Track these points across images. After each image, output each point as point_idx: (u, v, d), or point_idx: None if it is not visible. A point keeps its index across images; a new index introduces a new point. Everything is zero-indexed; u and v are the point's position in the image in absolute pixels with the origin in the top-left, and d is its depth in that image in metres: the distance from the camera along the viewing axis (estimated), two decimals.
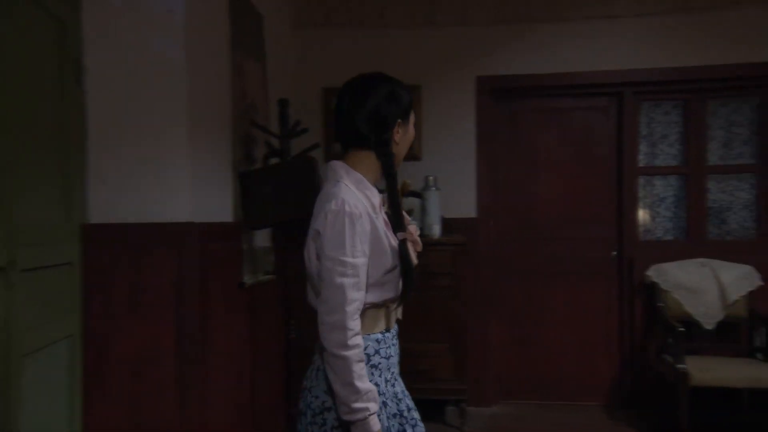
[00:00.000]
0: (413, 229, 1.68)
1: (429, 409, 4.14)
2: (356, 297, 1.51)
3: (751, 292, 3.94)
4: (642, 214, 4.41)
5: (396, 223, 1.61)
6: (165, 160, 2.57)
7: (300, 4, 4.34)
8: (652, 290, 4.10)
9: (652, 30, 4.15)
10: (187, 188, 2.59)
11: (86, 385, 2.46)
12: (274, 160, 3.34)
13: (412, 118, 1.69)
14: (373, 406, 1.51)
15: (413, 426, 1.70)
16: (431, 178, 4.10)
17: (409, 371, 3.80)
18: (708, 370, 3.58)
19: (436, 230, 4.01)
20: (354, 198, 1.55)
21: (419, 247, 1.69)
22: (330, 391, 1.55)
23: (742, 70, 4.10)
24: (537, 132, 4.47)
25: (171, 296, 2.56)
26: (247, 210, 3.10)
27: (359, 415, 1.50)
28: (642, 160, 4.38)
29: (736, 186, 4.30)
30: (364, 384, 1.50)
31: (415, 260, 1.65)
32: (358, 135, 1.62)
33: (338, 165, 1.63)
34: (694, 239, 4.31)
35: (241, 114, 3.14)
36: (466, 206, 4.38)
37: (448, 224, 4.16)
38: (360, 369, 1.50)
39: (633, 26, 4.16)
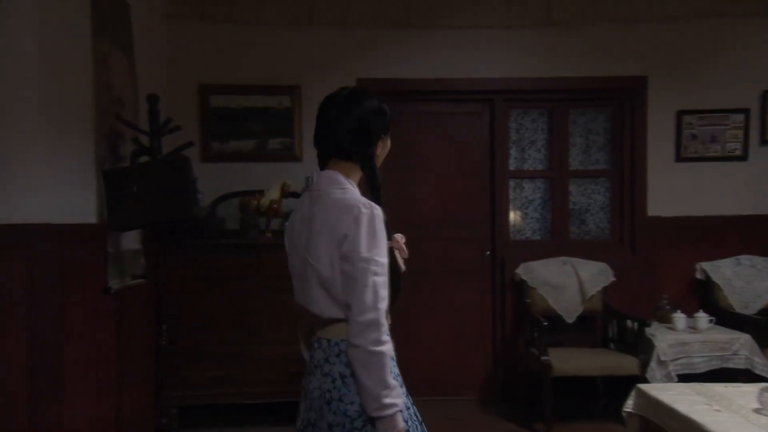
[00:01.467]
0: (399, 237, 1.73)
1: None
2: (385, 295, 1.58)
3: (605, 288, 4.30)
4: (513, 216, 4.67)
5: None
6: (15, 155, 2.36)
7: None
8: (521, 287, 4.35)
9: (520, 41, 4.41)
10: (41, 186, 2.40)
11: None
12: (143, 159, 3.18)
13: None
14: (400, 403, 1.57)
15: None
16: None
17: (285, 375, 3.80)
18: (568, 361, 3.85)
19: None
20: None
21: (405, 254, 1.75)
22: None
23: (598, 83, 4.47)
24: (416, 135, 4.59)
25: (22, 305, 2.36)
26: (113, 210, 2.93)
27: (389, 411, 1.55)
28: (512, 164, 4.64)
29: (594, 189, 4.68)
30: (392, 380, 1.56)
31: (402, 267, 1.72)
32: (342, 147, 1.67)
33: (335, 173, 1.67)
34: (558, 239, 4.63)
35: (105, 108, 2.95)
36: None
37: None
38: (390, 365, 1.57)
39: (503, 37, 4.40)
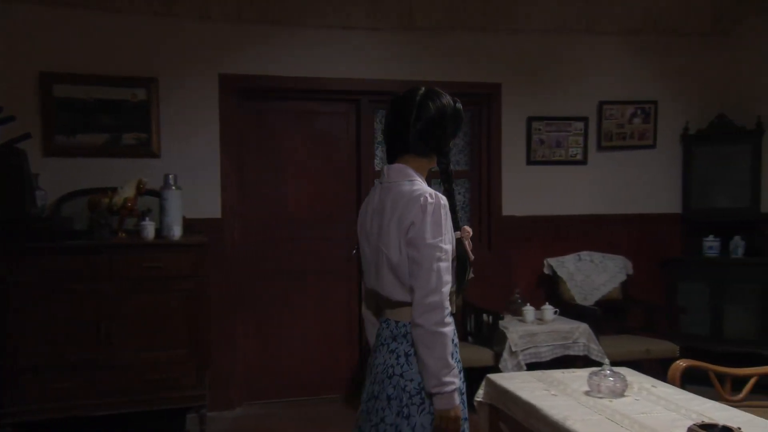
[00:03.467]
0: (468, 228, 1.87)
1: (168, 419, 3.93)
2: (448, 279, 1.71)
3: None
4: None
5: (453, 223, 1.80)
6: None
7: None
8: None
9: (383, 44, 4.49)
10: None
11: None
12: None
13: None
14: (458, 382, 1.71)
15: None
16: (171, 176, 3.90)
17: (141, 382, 3.60)
18: None
19: (176, 231, 3.82)
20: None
21: (471, 246, 1.88)
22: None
23: (457, 88, 4.57)
24: (283, 133, 4.54)
25: None
26: None
27: (447, 388, 1.67)
28: (378, 164, 4.72)
29: (455, 190, 4.87)
30: (452, 360, 1.69)
31: (471, 256, 1.86)
32: (418, 144, 1.80)
33: (404, 167, 1.82)
34: None
35: None
36: (209, 206, 4.27)
37: (190, 225, 3.99)
38: (451, 346, 1.69)
39: (367, 38, 4.46)
